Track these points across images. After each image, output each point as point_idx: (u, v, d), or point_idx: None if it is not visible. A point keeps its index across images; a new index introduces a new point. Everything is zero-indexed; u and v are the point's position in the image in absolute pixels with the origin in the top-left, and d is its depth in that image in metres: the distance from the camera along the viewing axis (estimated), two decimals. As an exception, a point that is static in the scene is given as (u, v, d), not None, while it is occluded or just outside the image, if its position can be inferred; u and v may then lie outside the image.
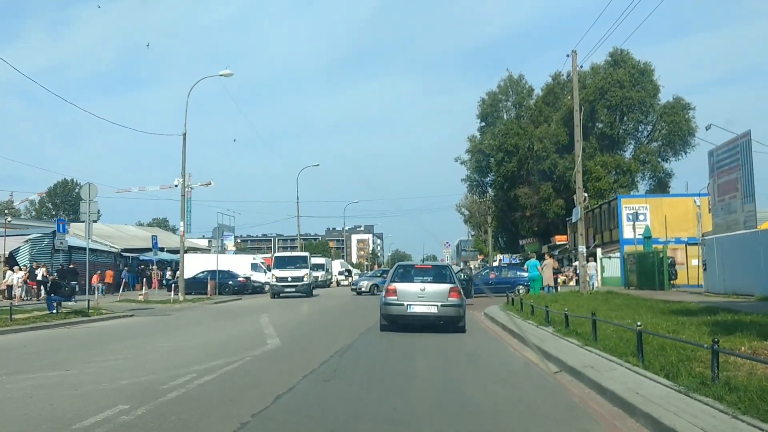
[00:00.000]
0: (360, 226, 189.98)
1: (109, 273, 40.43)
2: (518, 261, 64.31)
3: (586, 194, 22.88)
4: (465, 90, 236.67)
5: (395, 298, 14.86)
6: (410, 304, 14.72)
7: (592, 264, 38.22)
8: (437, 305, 14.66)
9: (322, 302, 29.80)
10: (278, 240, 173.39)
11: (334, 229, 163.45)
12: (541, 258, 24.77)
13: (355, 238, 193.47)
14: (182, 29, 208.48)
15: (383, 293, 15.27)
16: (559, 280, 26.28)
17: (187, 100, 30.47)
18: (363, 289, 38.47)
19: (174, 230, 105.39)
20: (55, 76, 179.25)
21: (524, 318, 15.51)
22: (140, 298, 29.21)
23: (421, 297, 14.78)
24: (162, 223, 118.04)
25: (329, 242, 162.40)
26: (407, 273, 15.99)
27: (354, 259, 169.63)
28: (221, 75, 30.11)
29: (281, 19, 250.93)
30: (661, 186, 56.82)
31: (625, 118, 57.79)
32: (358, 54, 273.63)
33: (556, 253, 56.65)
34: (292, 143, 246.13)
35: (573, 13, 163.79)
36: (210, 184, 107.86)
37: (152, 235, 32.52)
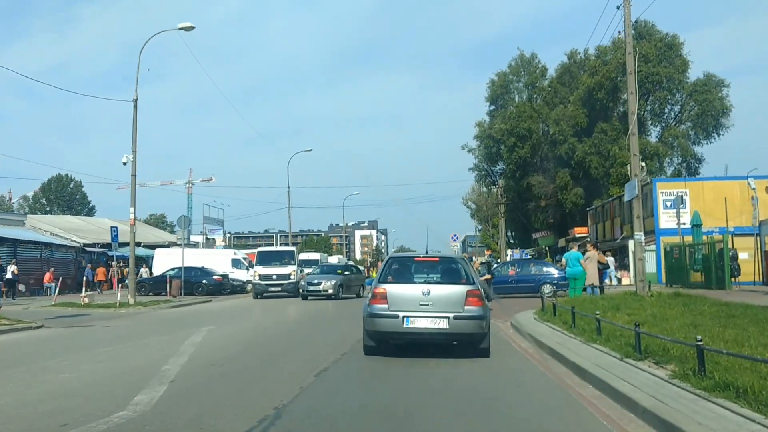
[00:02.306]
0: (363, 222, 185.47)
1: (101, 270, 35.73)
2: (529, 256, 58.83)
3: (643, 163, 17.34)
4: (467, 86, 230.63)
5: (385, 306, 9.51)
6: (408, 316, 9.37)
7: (608, 259, 32.64)
8: (448, 317, 9.30)
9: (306, 305, 24.39)
10: (280, 236, 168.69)
11: (337, 225, 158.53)
12: (582, 249, 19.24)
13: (358, 234, 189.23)
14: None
15: (368, 299, 9.86)
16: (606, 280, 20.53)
17: (138, 59, 25.05)
18: (328, 292, 26.26)
19: (171, 227, 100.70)
20: (58, 74, 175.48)
21: (586, 338, 9.99)
22: (81, 301, 23.81)
23: (425, 305, 9.40)
24: (160, 219, 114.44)
25: (332, 238, 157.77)
26: (404, 269, 10.58)
27: (358, 256, 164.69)
28: (180, 28, 24.66)
29: (281, 15, 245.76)
30: (689, 172, 51.17)
31: (651, 97, 51.89)
32: (358, 50, 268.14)
33: (577, 248, 50.98)
34: (291, 139, 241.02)
35: (575, 8, 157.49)
36: (211, 179, 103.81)
37: (111, 227, 27.15)
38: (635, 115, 16.72)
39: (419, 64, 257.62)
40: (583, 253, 18.29)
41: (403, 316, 9.35)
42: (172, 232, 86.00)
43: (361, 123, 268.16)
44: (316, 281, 27.11)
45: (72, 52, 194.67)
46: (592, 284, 17.72)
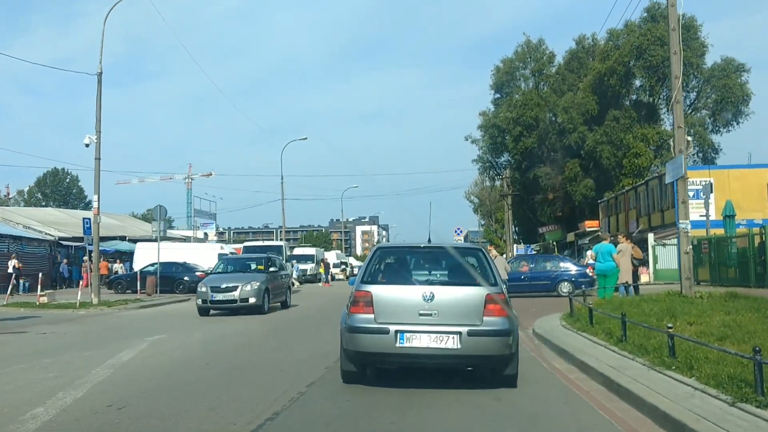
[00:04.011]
0: (364, 217, 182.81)
1: (104, 264, 33.96)
2: (534, 252, 56.06)
3: (689, 137, 14.50)
4: (469, 82, 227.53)
5: (371, 316, 6.70)
6: (403, 331, 6.57)
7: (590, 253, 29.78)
8: (460, 333, 6.52)
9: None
10: (280, 231, 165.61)
11: (337, 220, 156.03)
12: (613, 241, 16.30)
13: (359, 229, 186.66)
14: (184, 22, 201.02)
15: (347, 306, 6.98)
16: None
17: (103, 27, 22.17)
18: (249, 301, 16.67)
19: (170, 221, 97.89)
20: (56, 68, 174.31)
21: (651, 361, 7.15)
22: (38, 300, 21.02)
23: (427, 315, 6.62)
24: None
25: (333, 234, 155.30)
26: (398, 264, 7.80)
27: (359, 251, 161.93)
28: (150, -7, 21.79)
29: (282, 11, 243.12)
30: (705, 162, 48.23)
31: (666, 81, 48.75)
32: (359, 46, 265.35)
33: (587, 242, 48.05)
34: (293, 135, 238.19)
35: (577, 4, 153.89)
36: (211, 174, 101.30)
37: (84, 218, 24.34)
38: (680, 80, 13.91)
39: (421, 59, 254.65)
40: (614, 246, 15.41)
41: (396, 331, 6.55)
42: (170, 226, 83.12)
43: (362, 119, 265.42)
44: (225, 285, 16.70)
45: (74, 48, 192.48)
46: (626, 282, 14.86)
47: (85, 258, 31.59)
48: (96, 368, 7.91)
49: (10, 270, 28.36)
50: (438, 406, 6.02)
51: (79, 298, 20.43)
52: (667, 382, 6.22)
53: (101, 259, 36.22)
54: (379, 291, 6.81)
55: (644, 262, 19.24)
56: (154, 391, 6.56)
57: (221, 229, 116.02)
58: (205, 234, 65.65)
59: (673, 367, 6.66)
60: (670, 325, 7.10)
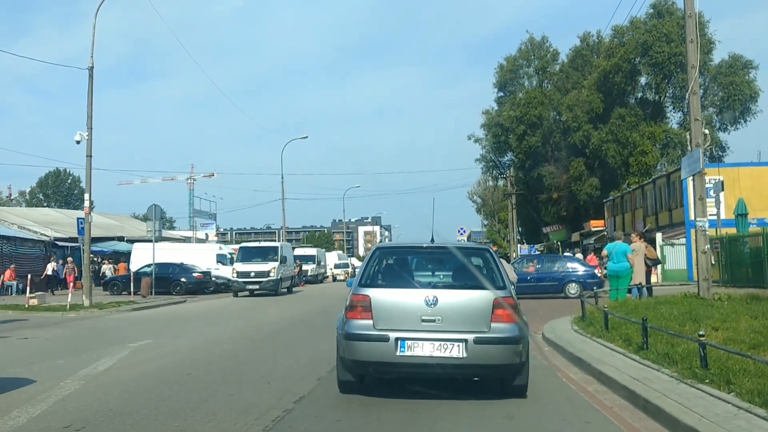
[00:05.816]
0: (366, 218, 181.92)
1: (122, 265, 34.66)
2: (538, 252, 55.28)
3: (706, 131, 13.75)
4: (473, 81, 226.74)
5: (369, 322, 6.10)
6: (404, 338, 5.96)
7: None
8: (466, 340, 5.91)
9: (281, 306, 21.05)
10: (280, 232, 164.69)
11: (339, 221, 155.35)
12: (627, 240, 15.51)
13: (362, 230, 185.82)
14: (188, 22, 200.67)
15: (344, 312, 6.33)
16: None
17: (94, 21, 21.51)
18: None
19: (171, 222, 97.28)
20: (62, 68, 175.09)
21: (680, 372, 6.43)
22: (27, 302, 20.32)
23: (429, 321, 6.02)
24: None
25: (335, 234, 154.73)
26: (398, 265, 7.11)
27: (362, 252, 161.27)
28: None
29: (285, 10, 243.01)
30: (712, 161, 47.31)
31: (672, 79, 47.92)
32: (362, 45, 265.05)
33: (592, 242, 47.26)
34: (294, 135, 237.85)
35: (580, 3, 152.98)
36: (213, 175, 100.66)
37: (78, 218, 23.60)
38: (696, 69, 13.21)
39: (424, 58, 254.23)
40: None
41: (397, 339, 5.90)
42: (171, 227, 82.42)
43: (364, 118, 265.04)
44: None
45: (76, 48, 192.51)
46: (640, 284, 14.12)
47: (69, 259, 30.71)
48: (66, 380, 7.20)
49: (50, 272, 29.94)
50: (442, 425, 5.30)
51: (69, 300, 19.73)
52: (703, 399, 5.49)
53: (36, 260, 35.56)
54: (379, 295, 6.18)
55: (658, 262, 18.42)
56: (121, 409, 5.84)
57: (223, 230, 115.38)
58: (206, 235, 64.97)
59: (707, 381, 5.93)
60: (701, 332, 6.35)
